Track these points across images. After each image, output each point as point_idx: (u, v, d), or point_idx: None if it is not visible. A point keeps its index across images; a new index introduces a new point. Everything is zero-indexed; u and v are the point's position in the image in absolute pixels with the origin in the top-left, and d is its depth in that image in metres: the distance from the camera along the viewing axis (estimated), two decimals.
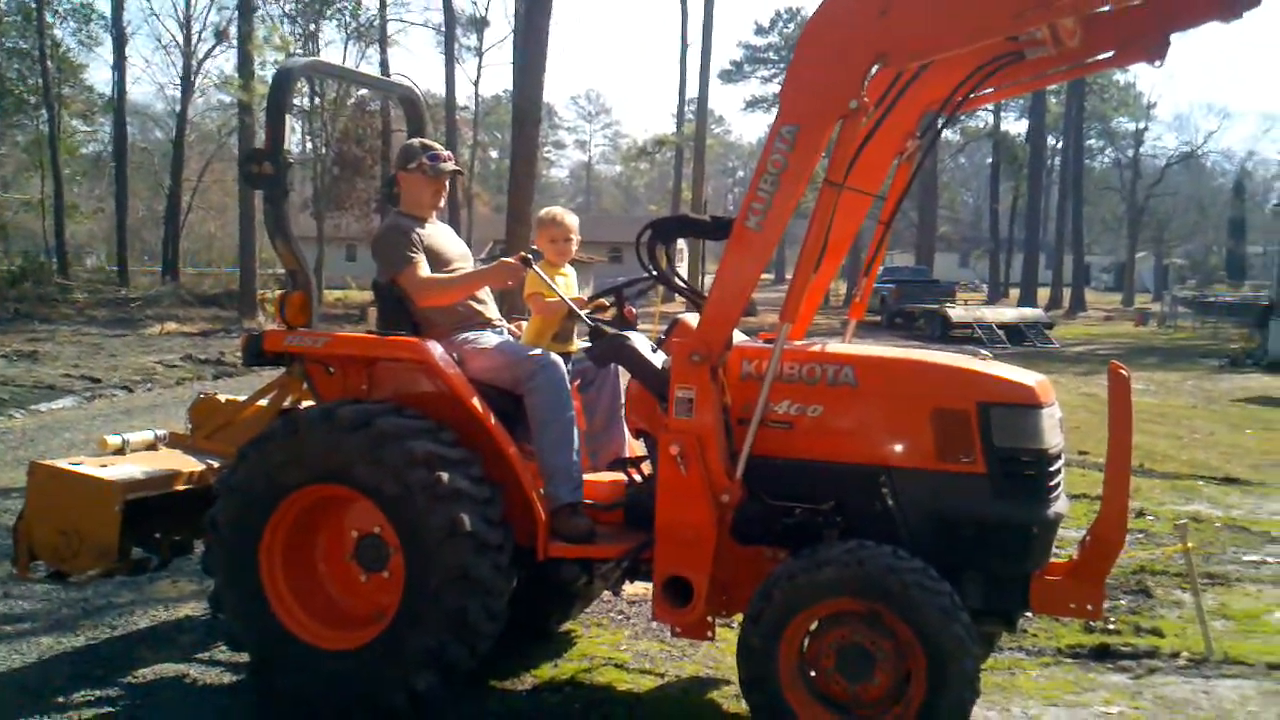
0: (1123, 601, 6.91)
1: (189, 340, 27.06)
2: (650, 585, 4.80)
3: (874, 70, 4.30)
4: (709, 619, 4.81)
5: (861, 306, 5.81)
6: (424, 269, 5.36)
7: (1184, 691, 5.48)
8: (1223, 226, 78.83)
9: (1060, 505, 4.58)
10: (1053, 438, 4.53)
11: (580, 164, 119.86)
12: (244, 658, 5.23)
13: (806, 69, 4.40)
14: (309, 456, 4.90)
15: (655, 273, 5.15)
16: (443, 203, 5.70)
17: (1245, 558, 8.06)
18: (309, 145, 47.29)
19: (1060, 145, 64.02)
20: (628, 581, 5.42)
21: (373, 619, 5.02)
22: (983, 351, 5.04)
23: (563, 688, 5.49)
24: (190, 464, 5.84)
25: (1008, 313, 36.76)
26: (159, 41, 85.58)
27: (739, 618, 4.64)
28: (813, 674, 4.39)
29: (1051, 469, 4.52)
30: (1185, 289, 58.67)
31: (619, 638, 6.22)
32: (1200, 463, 12.40)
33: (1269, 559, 8.04)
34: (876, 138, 4.80)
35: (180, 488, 5.68)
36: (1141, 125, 65.40)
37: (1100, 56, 4.89)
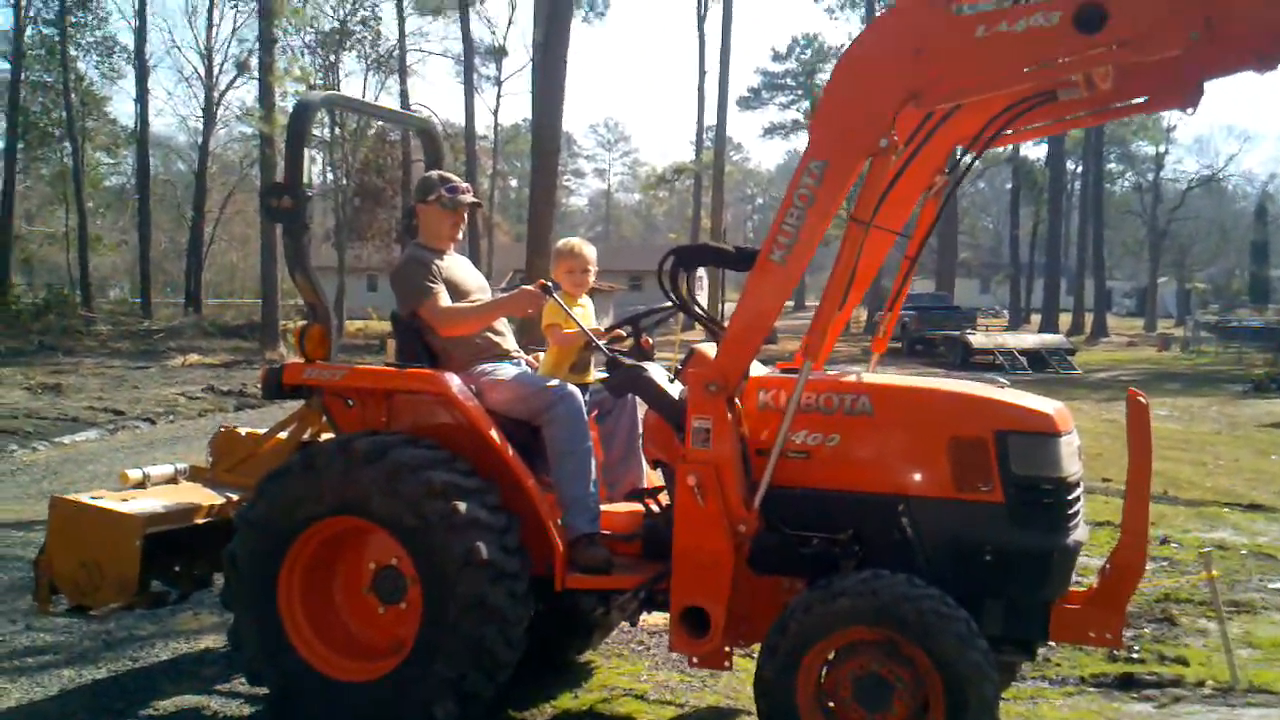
0: (1147, 630, 6.85)
1: (211, 372, 27.21)
2: (668, 616, 4.79)
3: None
4: (727, 649, 4.80)
5: (884, 341, 5.80)
6: (444, 299, 5.39)
7: None
8: (1245, 250, 78.43)
9: (1080, 533, 4.56)
10: (1071, 465, 4.52)
11: (599, 192, 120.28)
12: (264, 691, 5.23)
13: (837, 105, 4.41)
14: (326, 489, 4.92)
15: (677, 300, 5.16)
16: (461, 234, 5.73)
17: (1271, 585, 7.99)
18: (330, 176, 47.69)
19: (1080, 170, 63.94)
20: (645, 612, 5.41)
21: (392, 650, 5.03)
22: (1001, 380, 5.03)
23: (582, 718, 5.47)
24: (210, 497, 5.86)
25: (1029, 339, 36.61)
26: (181, 74, 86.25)
27: (758, 647, 4.63)
28: (831, 705, 4.36)
29: (1070, 497, 4.50)
30: (1208, 313, 58.37)
31: (639, 668, 6.20)
32: (1225, 489, 12.31)
33: None
34: (905, 174, 4.81)
35: (200, 521, 5.71)
36: (1162, 149, 65.25)
37: (1134, 101, 4.91)
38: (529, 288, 5.38)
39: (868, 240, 4.54)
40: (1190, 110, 4.54)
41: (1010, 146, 66.07)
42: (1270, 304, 69.57)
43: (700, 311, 5.23)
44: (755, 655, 4.62)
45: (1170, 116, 57.62)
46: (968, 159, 5.11)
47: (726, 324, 5.02)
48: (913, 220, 5.43)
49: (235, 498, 5.82)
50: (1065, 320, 53.92)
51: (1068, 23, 3.98)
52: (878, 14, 63.43)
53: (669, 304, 5.65)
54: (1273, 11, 3.95)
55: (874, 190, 4.37)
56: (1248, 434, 17.75)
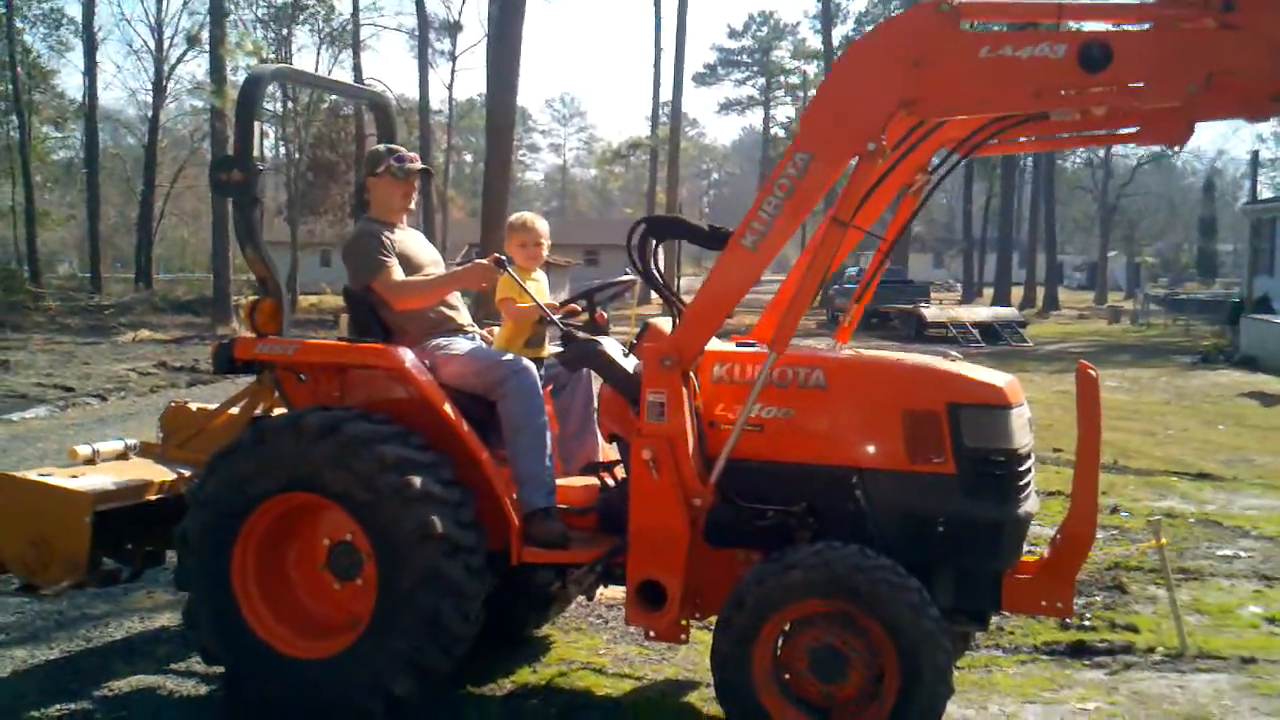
0: (1098, 598, 6.95)
1: (163, 347, 26.92)
2: (625, 589, 4.80)
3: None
4: (683, 622, 4.82)
5: (849, 331, 5.76)
6: (398, 272, 5.35)
7: (1159, 687, 5.51)
8: (1193, 225, 79.37)
9: (1030, 504, 4.61)
10: (1022, 437, 4.56)
11: (555, 167, 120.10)
12: (220, 670, 5.20)
13: (831, 102, 4.40)
14: (278, 465, 4.88)
15: (642, 270, 5.12)
16: (412, 205, 5.69)
17: (1219, 552, 8.11)
18: (282, 151, 47.17)
19: None
20: (602, 586, 5.42)
21: (348, 626, 5.00)
22: (952, 353, 5.06)
23: (540, 692, 5.48)
24: (162, 473, 5.80)
25: (982, 312, 36.91)
26: (130, 47, 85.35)
27: (715, 620, 4.65)
28: (787, 677, 4.39)
29: (1021, 468, 4.55)
30: (1157, 287, 59.04)
31: (597, 642, 6.21)
32: (1174, 459, 12.48)
33: (1241, 553, 8.10)
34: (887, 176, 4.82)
35: (152, 497, 5.64)
36: None
37: (1124, 130, 4.98)
38: (482, 261, 5.35)
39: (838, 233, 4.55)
40: (1177, 148, 4.56)
41: None
42: (1217, 277, 70.46)
43: (661, 283, 5.20)
44: (712, 628, 4.64)
45: None
46: (955, 160, 5.10)
47: (681, 298, 5.03)
48: (885, 218, 5.42)
49: (187, 474, 5.76)
50: (1017, 294, 54.32)
51: (1073, 58, 4.00)
52: None
53: (624, 278, 5.65)
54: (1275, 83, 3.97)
55: (856, 192, 4.36)
56: (1195, 404, 17.98)
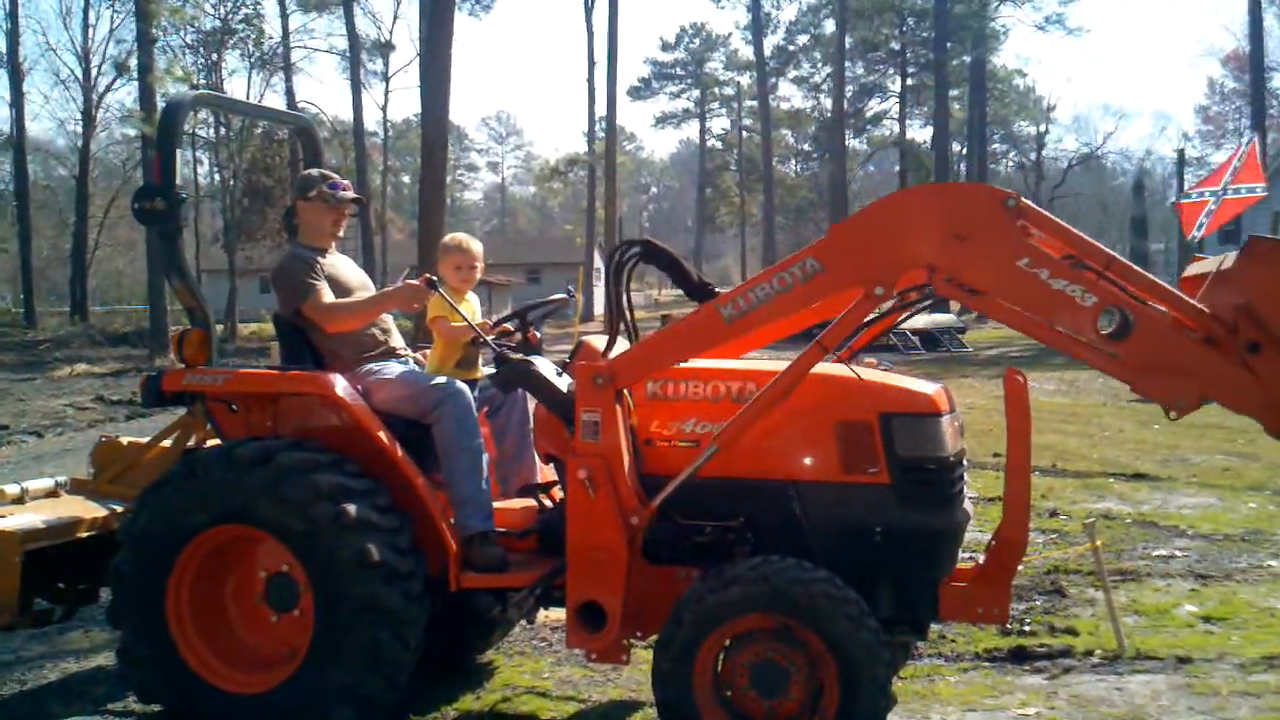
0: (1038, 602, 7.00)
1: (100, 381, 26.56)
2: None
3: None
4: (624, 642, 4.79)
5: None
6: (328, 295, 5.31)
7: (1098, 689, 5.56)
8: (1125, 224, 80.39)
9: (964, 511, 4.64)
10: (954, 444, 4.60)
11: (494, 186, 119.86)
12: (158, 708, 5.11)
13: (862, 234, 4.35)
14: (211, 497, 4.83)
15: (616, 288, 4.97)
16: (342, 232, 5.66)
17: (1154, 552, 8.21)
18: (217, 177, 46.75)
19: (965, 151, 65.11)
20: (543, 608, 5.39)
21: (286, 659, 4.95)
22: (882, 363, 5.09)
23: (485, 719, 5.43)
24: (93, 510, 5.71)
25: (921, 319, 37.07)
26: (58, 76, 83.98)
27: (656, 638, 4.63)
28: (729, 694, 4.38)
29: (954, 475, 4.58)
30: None
31: (541, 665, 6.18)
32: (1110, 460, 12.64)
33: (1177, 552, 8.20)
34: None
35: (83, 535, 5.55)
36: (1042, 128, 66.77)
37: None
38: (413, 282, 5.33)
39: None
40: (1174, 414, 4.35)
41: (896, 129, 67.23)
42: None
43: (626, 306, 5.03)
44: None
45: (1050, 94, 58.72)
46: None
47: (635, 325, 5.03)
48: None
49: (119, 509, 5.68)
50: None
51: (1096, 313, 4.04)
52: (763, 5, 64.21)
53: (555, 297, 5.65)
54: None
55: (847, 325, 4.38)
56: (1131, 406, 18.19)
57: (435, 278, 5.26)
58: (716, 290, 4.80)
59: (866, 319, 4.55)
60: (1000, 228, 4.13)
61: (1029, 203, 4.15)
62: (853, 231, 4.40)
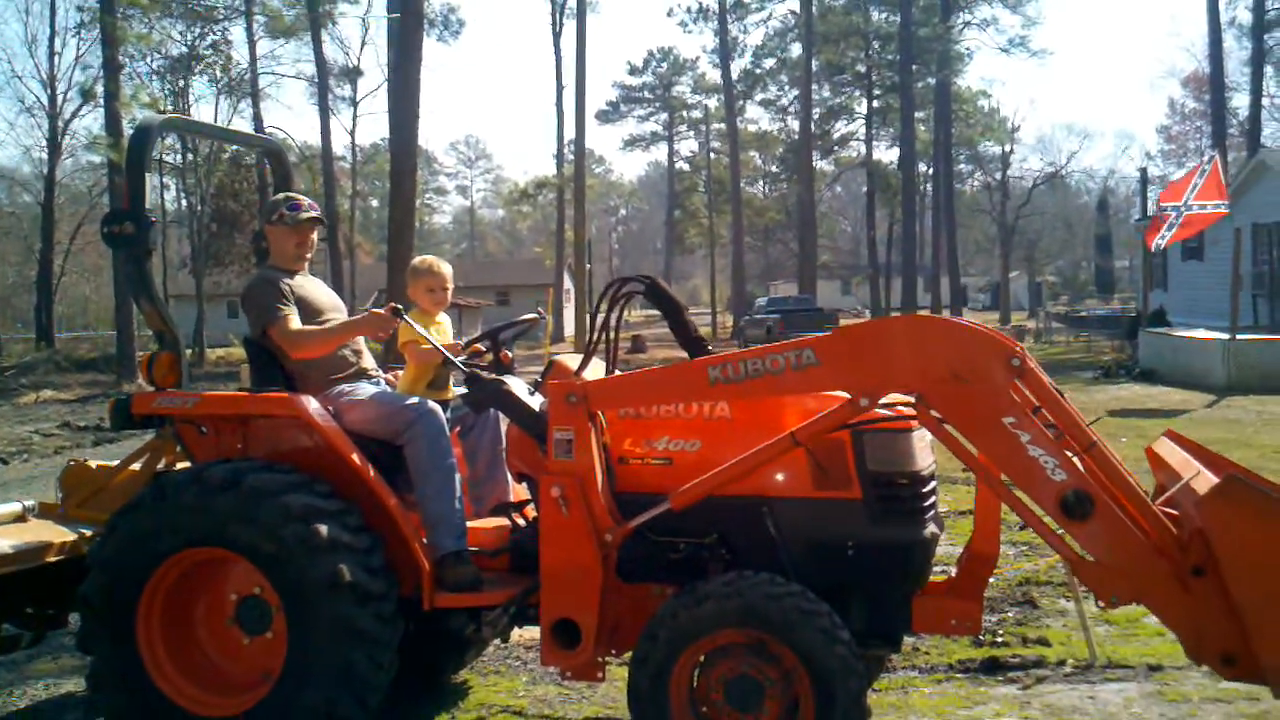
0: (1010, 613, 7.05)
1: (66, 407, 26.37)
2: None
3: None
4: (599, 660, 4.79)
5: None
6: (294, 321, 5.30)
7: (1071, 699, 5.59)
8: (1090, 243, 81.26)
9: (935, 525, 4.67)
10: (924, 459, 4.63)
11: (463, 209, 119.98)
12: None
13: (870, 341, 4.33)
14: (180, 520, 4.79)
15: (606, 319, 4.95)
16: (309, 253, 5.64)
17: None
18: (184, 203, 46.54)
19: (931, 171, 65.61)
20: (517, 627, 5.38)
21: (259, 681, 4.91)
22: None
23: None
24: (61, 534, 5.67)
25: None
26: (23, 103, 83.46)
27: (631, 655, 4.64)
28: (705, 710, 4.38)
29: (925, 490, 4.61)
30: (1058, 305, 60.19)
31: (516, 684, 6.16)
32: None
33: None
34: None
35: (51, 559, 5.51)
36: (1007, 148, 67.26)
37: None
38: (379, 310, 5.32)
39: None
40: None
41: (863, 151, 67.68)
42: (1115, 293, 72.12)
43: (610, 336, 5.00)
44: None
45: (1014, 116, 59.22)
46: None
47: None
48: None
49: (88, 533, 5.64)
50: None
51: (1061, 491, 4.11)
52: (730, 30, 64.57)
53: (526, 317, 5.66)
54: None
55: (825, 425, 4.39)
56: (1101, 420, 18.34)
57: (401, 306, 5.26)
58: (709, 348, 4.83)
59: (842, 425, 4.49)
60: (997, 382, 4.16)
61: (1034, 366, 4.18)
62: (859, 339, 4.35)
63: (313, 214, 5.54)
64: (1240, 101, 53.67)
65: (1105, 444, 4.26)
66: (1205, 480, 4.23)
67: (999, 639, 6.49)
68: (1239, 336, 21.25)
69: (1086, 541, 4.17)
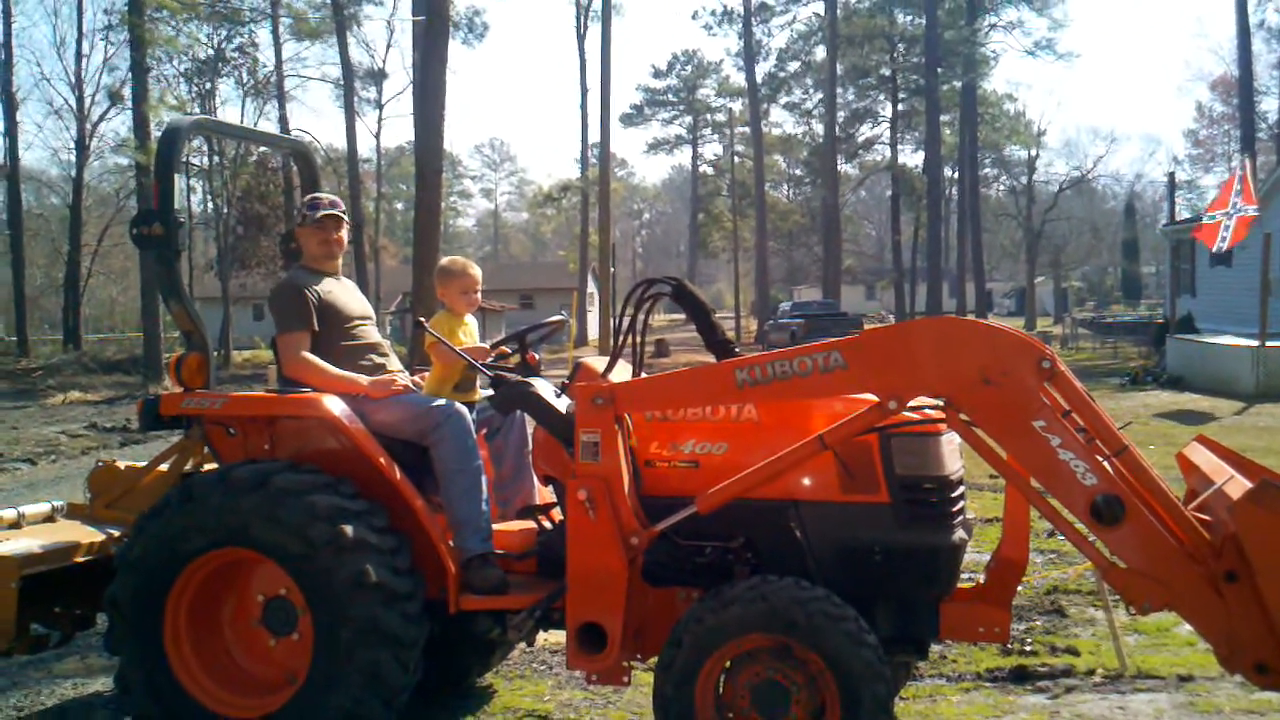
0: (1038, 622, 7.00)
1: (93, 408, 26.50)
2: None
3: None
4: (625, 664, 4.77)
5: None
6: (303, 342, 5.30)
7: (1100, 708, 5.55)
8: (1116, 248, 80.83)
9: (964, 530, 4.63)
10: (953, 463, 4.59)
11: (487, 212, 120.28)
12: None
13: (896, 347, 4.29)
14: (207, 521, 4.80)
15: (633, 320, 4.96)
16: (338, 251, 5.61)
17: None
18: (211, 205, 46.74)
19: (956, 175, 65.35)
20: (543, 631, 5.37)
21: (285, 683, 4.92)
22: None
23: None
24: (90, 534, 5.68)
25: None
26: (51, 106, 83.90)
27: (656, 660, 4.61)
28: (730, 715, 4.35)
29: (953, 495, 4.58)
30: (1084, 311, 59.90)
31: (542, 689, 6.15)
32: None
33: None
34: None
35: (80, 560, 5.52)
36: (1033, 152, 66.92)
37: None
38: (384, 379, 5.29)
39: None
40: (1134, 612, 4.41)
41: (888, 155, 67.51)
42: (1142, 299, 71.73)
43: (637, 337, 5.00)
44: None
45: (1040, 120, 58.88)
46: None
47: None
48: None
49: (116, 534, 5.65)
50: None
51: (1092, 495, 4.05)
52: (755, 32, 64.54)
53: (553, 319, 5.65)
54: None
55: (851, 428, 4.36)
56: (1129, 428, 18.22)
57: (423, 319, 5.31)
58: (737, 350, 4.81)
59: (869, 428, 4.44)
60: (1027, 384, 4.11)
61: (1065, 369, 4.13)
62: (887, 341, 4.32)
63: (331, 211, 5.53)
64: (1269, 105, 53.35)
65: (1136, 449, 4.20)
66: (1238, 485, 4.17)
67: (1027, 647, 6.44)
68: (1268, 343, 21.06)
69: (1117, 547, 4.12)
